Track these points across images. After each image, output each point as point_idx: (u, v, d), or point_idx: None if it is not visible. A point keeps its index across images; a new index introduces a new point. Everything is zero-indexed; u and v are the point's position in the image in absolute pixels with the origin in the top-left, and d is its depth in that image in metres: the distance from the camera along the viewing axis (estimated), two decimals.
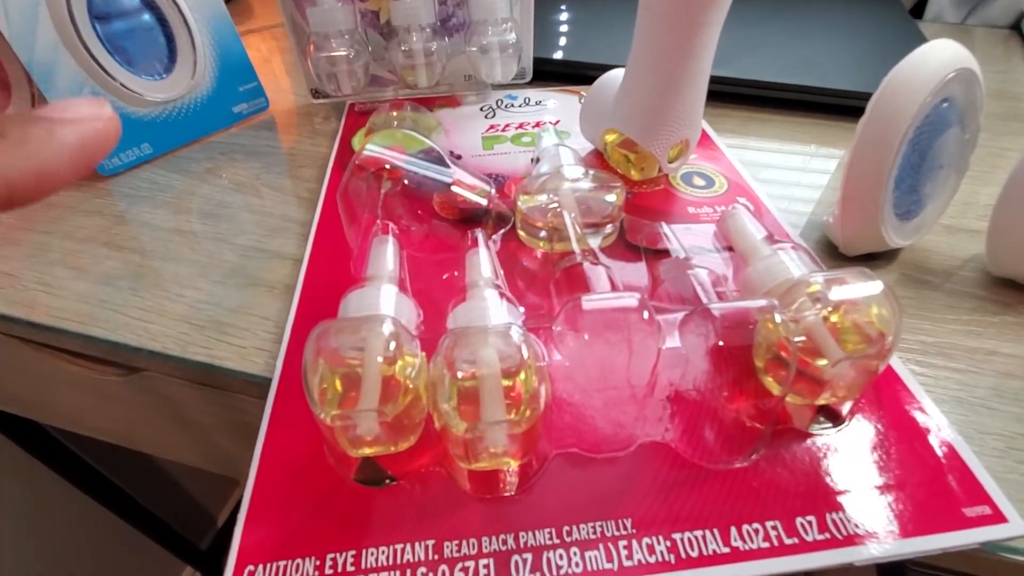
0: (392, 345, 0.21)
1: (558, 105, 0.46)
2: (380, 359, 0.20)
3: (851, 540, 0.20)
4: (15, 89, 0.40)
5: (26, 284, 0.33)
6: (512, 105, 0.46)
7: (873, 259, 0.32)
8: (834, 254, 0.32)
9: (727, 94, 0.46)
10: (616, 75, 0.36)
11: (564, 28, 0.54)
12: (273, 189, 0.40)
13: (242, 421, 0.34)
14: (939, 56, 0.27)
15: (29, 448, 0.70)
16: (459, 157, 0.40)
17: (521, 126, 0.43)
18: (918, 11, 0.63)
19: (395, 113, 0.39)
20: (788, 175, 0.39)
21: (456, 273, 0.29)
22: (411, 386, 0.20)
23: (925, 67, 0.27)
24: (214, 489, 1.12)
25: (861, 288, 0.22)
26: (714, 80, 0.34)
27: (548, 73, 0.49)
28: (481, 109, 0.46)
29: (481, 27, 0.42)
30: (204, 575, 1.05)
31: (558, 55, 0.49)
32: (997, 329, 0.28)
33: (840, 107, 0.44)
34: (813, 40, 0.50)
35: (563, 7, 0.57)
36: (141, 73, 0.40)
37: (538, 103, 0.46)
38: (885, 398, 0.25)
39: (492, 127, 0.43)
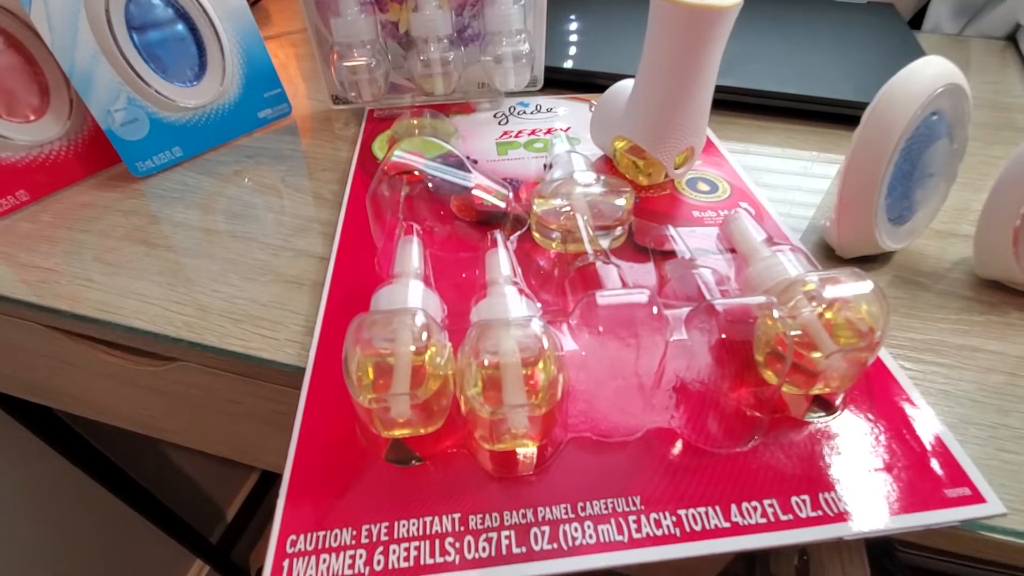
0: (424, 335, 0.23)
1: (568, 112, 0.48)
2: (412, 348, 0.22)
3: (841, 517, 0.22)
4: (53, 94, 0.42)
5: (69, 279, 0.35)
6: (524, 112, 0.48)
7: (868, 261, 0.34)
8: (831, 256, 0.34)
9: (731, 103, 0.48)
10: (626, 85, 0.38)
11: (574, 39, 0.56)
12: (297, 191, 0.42)
13: (272, 410, 0.36)
14: (929, 72, 0.29)
15: (42, 435, 0.71)
16: (475, 162, 0.42)
17: (533, 132, 0.45)
18: (916, 22, 0.65)
19: (415, 120, 0.41)
20: (789, 180, 0.41)
21: (477, 272, 0.31)
22: (439, 373, 0.22)
23: (916, 82, 0.29)
24: (223, 484, 1.13)
25: (853, 287, 0.24)
26: (719, 89, 0.35)
27: (559, 81, 0.51)
28: (495, 116, 0.47)
29: (496, 38, 0.44)
30: (214, 569, 1.07)
31: (568, 64, 0.51)
32: (983, 328, 0.30)
33: (840, 116, 0.46)
34: (814, 51, 0.52)
35: (574, 18, 0.59)
36: (174, 80, 0.43)
37: (549, 110, 0.48)
38: (876, 391, 0.26)
39: (506, 133, 0.45)
